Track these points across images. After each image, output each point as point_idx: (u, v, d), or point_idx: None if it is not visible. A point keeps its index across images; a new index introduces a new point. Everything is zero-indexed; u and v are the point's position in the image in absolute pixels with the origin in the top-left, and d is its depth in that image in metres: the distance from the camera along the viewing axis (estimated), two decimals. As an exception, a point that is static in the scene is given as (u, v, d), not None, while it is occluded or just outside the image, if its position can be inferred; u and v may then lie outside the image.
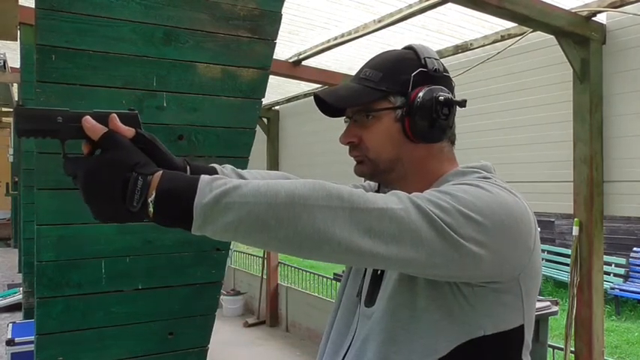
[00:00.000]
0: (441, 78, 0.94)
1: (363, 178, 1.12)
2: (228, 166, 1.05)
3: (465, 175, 0.90)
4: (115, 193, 0.71)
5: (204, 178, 0.71)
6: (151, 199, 0.70)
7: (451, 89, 0.95)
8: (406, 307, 0.86)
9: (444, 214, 0.75)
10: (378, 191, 1.06)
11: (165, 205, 0.70)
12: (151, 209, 0.71)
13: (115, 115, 0.79)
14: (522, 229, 0.82)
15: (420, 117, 0.89)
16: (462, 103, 0.92)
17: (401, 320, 0.86)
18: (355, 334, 0.95)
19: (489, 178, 0.87)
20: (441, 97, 0.90)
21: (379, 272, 0.96)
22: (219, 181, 0.70)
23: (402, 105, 0.91)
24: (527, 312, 0.88)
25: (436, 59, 0.94)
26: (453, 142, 0.98)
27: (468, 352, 0.84)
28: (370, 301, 0.94)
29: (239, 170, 1.05)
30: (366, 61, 0.97)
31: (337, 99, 0.94)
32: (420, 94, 0.90)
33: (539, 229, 0.94)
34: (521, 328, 0.88)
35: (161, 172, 0.73)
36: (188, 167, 0.93)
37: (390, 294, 0.88)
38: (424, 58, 0.93)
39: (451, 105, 0.91)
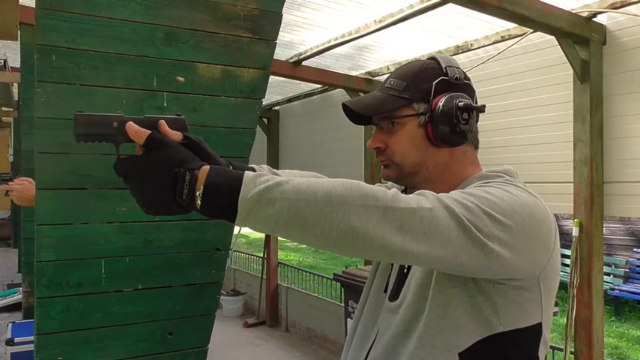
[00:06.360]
0: (462, 85, 0.98)
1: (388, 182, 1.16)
2: (265, 166, 1.11)
3: (489, 178, 0.95)
4: (164, 187, 0.76)
5: (248, 174, 0.74)
6: (199, 192, 0.74)
7: (472, 95, 0.99)
8: (429, 303, 0.89)
9: (470, 214, 0.78)
10: (405, 193, 1.10)
11: (212, 198, 0.74)
12: (198, 202, 0.74)
13: (164, 121, 0.84)
14: (543, 229, 0.86)
15: (441, 122, 0.94)
16: (482, 109, 0.97)
17: (423, 316, 0.90)
18: (380, 328, 0.99)
19: (512, 182, 0.92)
20: (461, 103, 0.94)
21: (405, 269, 1.00)
22: (263, 178, 0.74)
23: (425, 112, 0.96)
24: (546, 310, 0.92)
25: (457, 68, 0.99)
26: (476, 147, 1.03)
27: (487, 346, 0.87)
28: (395, 295, 0.98)
29: (275, 170, 1.11)
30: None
31: (363, 107, 0.99)
32: (441, 101, 0.95)
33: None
34: (539, 325, 0.91)
35: (208, 166, 0.76)
36: (231, 167, 0.97)
37: (413, 290, 0.92)
38: (445, 67, 0.98)
39: (470, 110, 0.96)
